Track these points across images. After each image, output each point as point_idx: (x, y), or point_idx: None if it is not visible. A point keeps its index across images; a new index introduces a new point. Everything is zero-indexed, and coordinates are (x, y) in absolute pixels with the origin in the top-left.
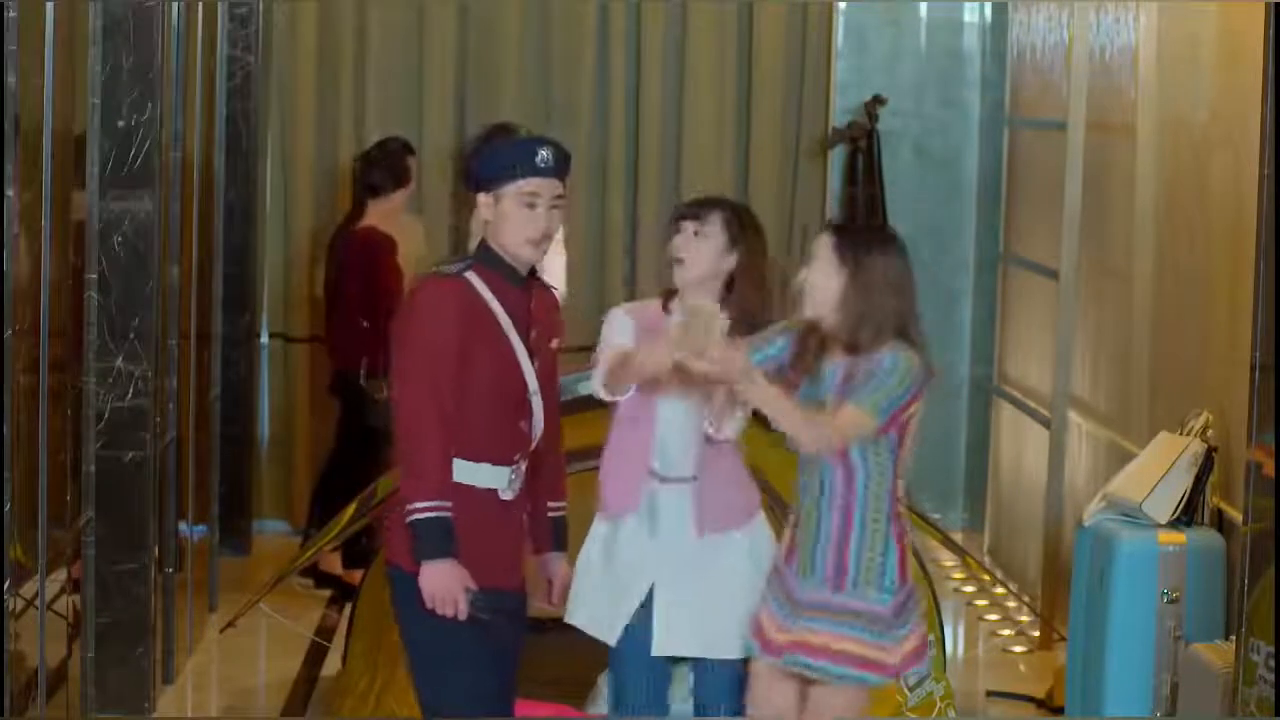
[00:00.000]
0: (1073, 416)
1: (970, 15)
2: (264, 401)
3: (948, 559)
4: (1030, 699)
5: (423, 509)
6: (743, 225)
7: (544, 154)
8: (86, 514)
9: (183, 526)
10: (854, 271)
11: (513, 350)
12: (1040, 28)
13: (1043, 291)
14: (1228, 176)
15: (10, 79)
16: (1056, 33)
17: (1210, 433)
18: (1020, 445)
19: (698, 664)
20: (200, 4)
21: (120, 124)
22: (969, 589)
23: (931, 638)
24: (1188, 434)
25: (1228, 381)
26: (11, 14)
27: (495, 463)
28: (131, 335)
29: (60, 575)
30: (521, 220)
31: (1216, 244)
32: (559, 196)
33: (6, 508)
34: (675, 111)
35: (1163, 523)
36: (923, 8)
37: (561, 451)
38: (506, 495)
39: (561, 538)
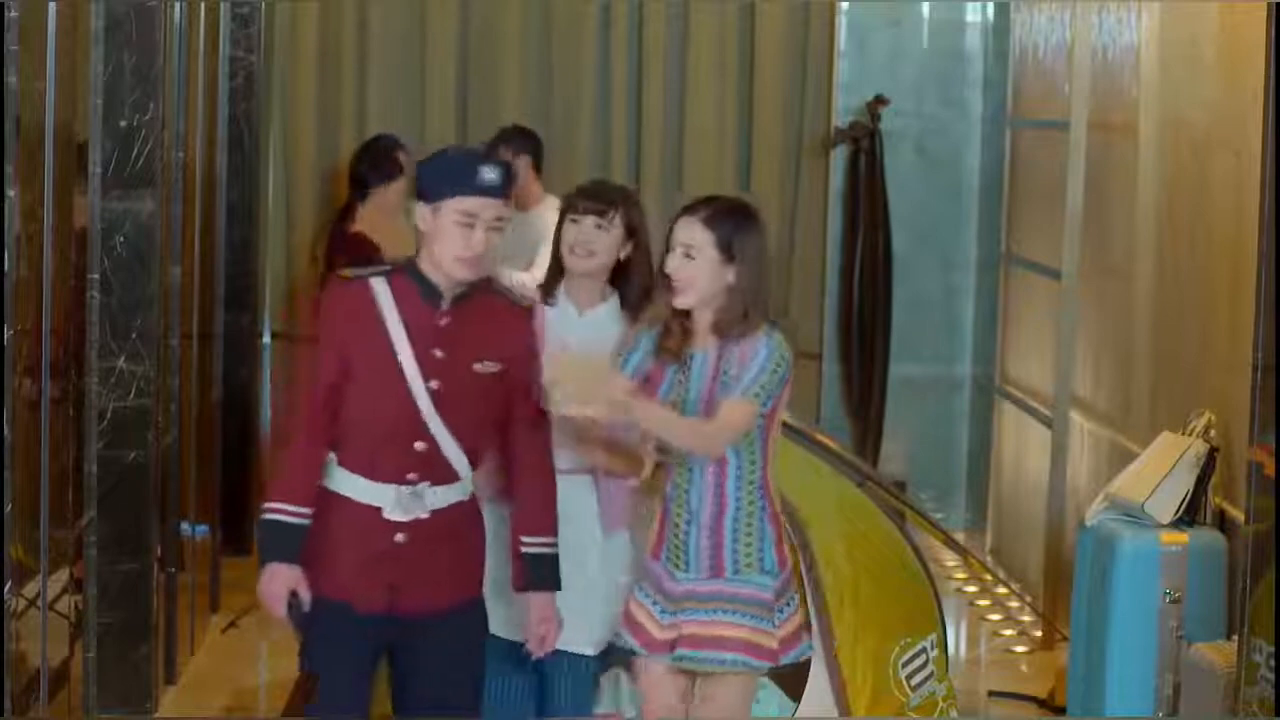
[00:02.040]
0: (1074, 416)
1: (972, 15)
2: (266, 401)
3: (950, 559)
4: (1032, 699)
5: (268, 509)
6: (637, 213)
7: (487, 173)
8: (88, 514)
9: (185, 526)
10: (737, 256)
11: (397, 367)
12: (1042, 28)
13: (1044, 291)
14: (1229, 177)
15: (12, 79)
16: (1058, 33)
17: (1212, 433)
18: (1022, 445)
19: (545, 662)
20: (202, 4)
21: (122, 124)
22: (971, 589)
23: (933, 638)
24: (1189, 434)
25: (1229, 382)
26: (13, 14)
27: (376, 479)
28: (133, 335)
29: (62, 575)
30: (455, 238)
31: (1218, 244)
32: (499, 218)
33: (8, 508)
34: (677, 111)
35: (1164, 523)
36: (925, 7)
37: (545, 484)
38: (395, 515)
39: (540, 576)
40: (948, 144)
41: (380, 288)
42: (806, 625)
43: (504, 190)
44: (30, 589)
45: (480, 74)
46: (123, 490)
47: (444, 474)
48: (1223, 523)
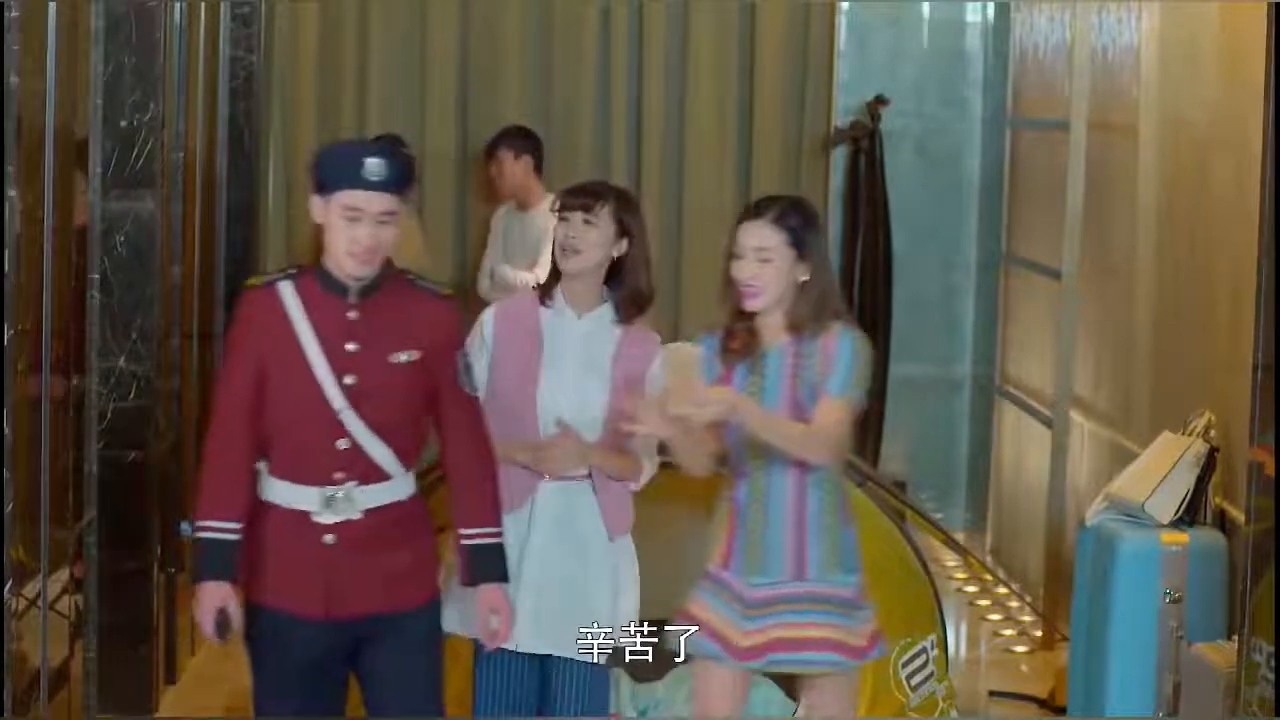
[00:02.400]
0: (1075, 416)
1: (972, 15)
2: None
3: (950, 559)
4: (1032, 699)
5: (197, 526)
6: (631, 211)
7: (371, 166)
8: (89, 514)
9: (185, 526)
10: (808, 252)
11: (307, 364)
12: (1042, 28)
13: (1044, 291)
14: (1229, 176)
15: (12, 79)
16: (1058, 33)
17: (1212, 433)
18: (1022, 445)
19: (555, 665)
20: (202, 4)
21: (122, 124)
22: (971, 589)
23: (934, 638)
24: (1190, 434)
25: (1229, 381)
26: (13, 14)
27: (302, 482)
28: (134, 335)
29: (62, 575)
30: (341, 232)
31: (1218, 244)
32: (388, 213)
33: (8, 508)
34: (677, 111)
35: (1165, 523)
36: (925, 7)
37: (484, 473)
38: (323, 517)
39: (487, 568)
40: (948, 144)
41: (286, 290)
42: (882, 629)
43: (393, 185)
44: (30, 589)
45: (480, 74)
46: (123, 490)
47: (373, 473)
48: (1223, 523)
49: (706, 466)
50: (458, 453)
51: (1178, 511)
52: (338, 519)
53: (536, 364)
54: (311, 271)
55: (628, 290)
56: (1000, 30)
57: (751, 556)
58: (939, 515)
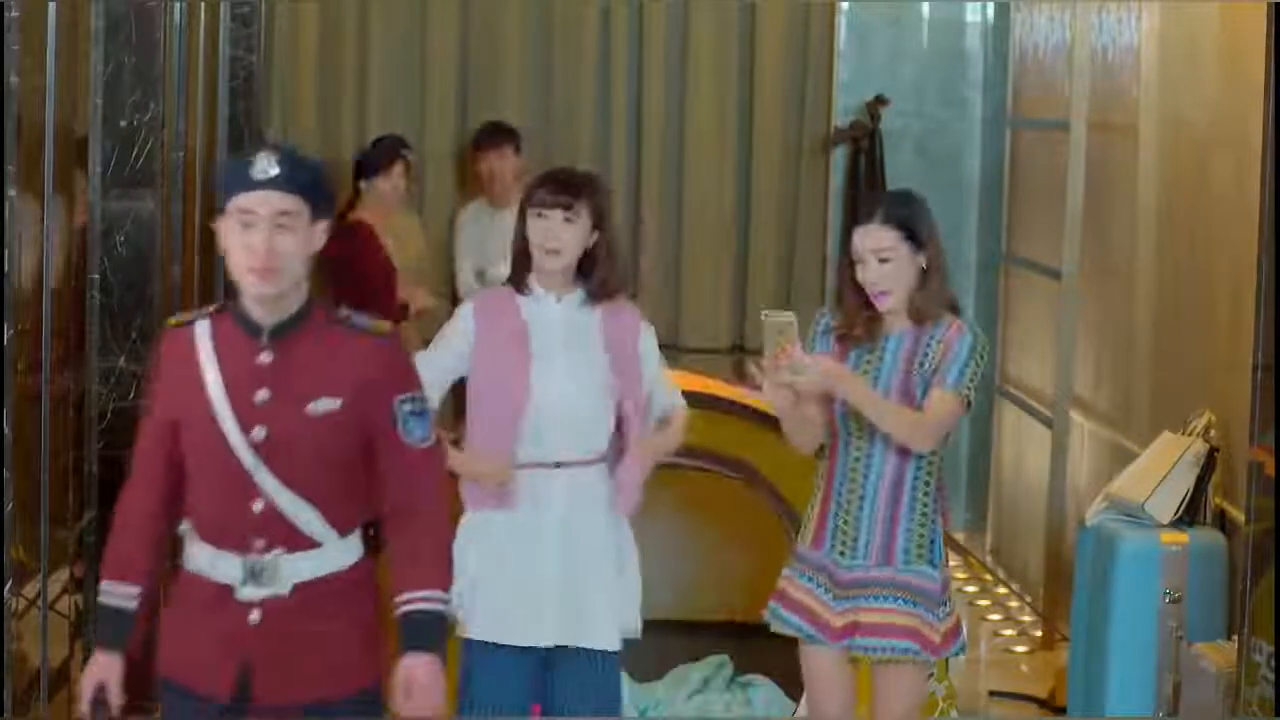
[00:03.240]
0: (1075, 416)
1: (972, 15)
2: None
3: (950, 559)
4: (1032, 699)
5: (100, 590)
6: (605, 200)
7: (262, 163)
8: (88, 514)
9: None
10: (924, 241)
11: (211, 415)
12: (1042, 28)
13: (1044, 291)
14: (1229, 176)
15: (12, 79)
16: (1058, 33)
17: (1212, 433)
18: (1022, 445)
19: (561, 659)
20: (202, 4)
21: (122, 124)
22: (971, 589)
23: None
24: (1190, 434)
25: (1229, 381)
26: (13, 14)
27: (223, 548)
28: (134, 335)
29: (62, 575)
30: (237, 245)
31: (1218, 244)
32: (286, 214)
33: (8, 508)
34: (677, 111)
35: (1165, 523)
36: (925, 7)
37: (430, 532)
38: (247, 593)
39: (421, 637)
40: (948, 144)
41: (202, 331)
42: (960, 623)
43: (289, 183)
44: (30, 589)
45: (480, 74)
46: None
47: (298, 540)
48: (1223, 523)
49: (814, 441)
50: (402, 509)
51: (1178, 511)
52: (262, 594)
53: (525, 352)
54: (227, 309)
55: (598, 278)
56: (1000, 30)
57: (843, 538)
58: None
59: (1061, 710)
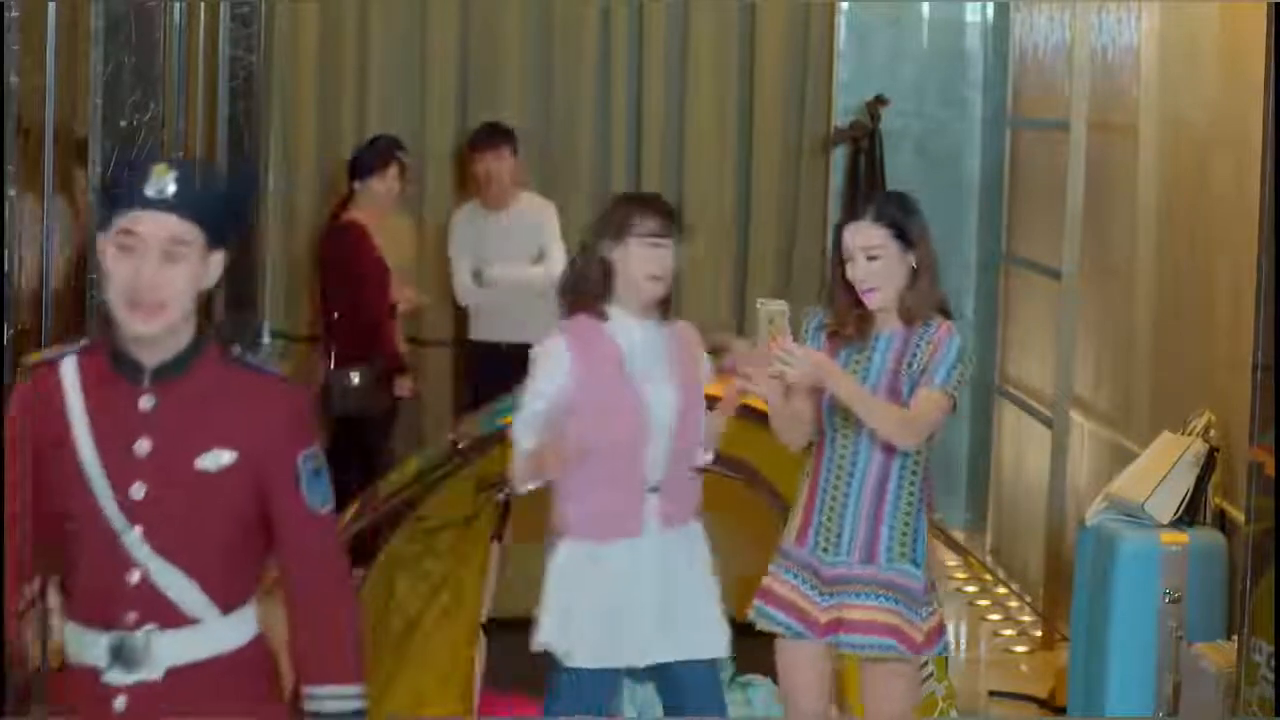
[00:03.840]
0: (1075, 416)
1: (972, 15)
2: None
3: (950, 559)
4: (1032, 699)
5: None
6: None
7: (159, 179)
8: None
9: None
10: (914, 240)
11: (79, 471)
12: (1042, 28)
13: (1044, 291)
14: (1229, 176)
15: (12, 79)
16: (1058, 33)
17: (1212, 432)
18: (1022, 445)
19: (669, 669)
20: (202, 4)
21: (122, 124)
22: (971, 589)
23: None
24: (1190, 434)
25: (1229, 381)
26: (13, 14)
27: (92, 625)
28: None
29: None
30: (118, 273)
31: (1218, 244)
32: (181, 242)
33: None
34: (677, 111)
35: (1165, 523)
36: (925, 7)
37: (337, 614)
38: (114, 676)
39: None
40: (948, 144)
41: (68, 369)
42: (943, 623)
43: (186, 207)
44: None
45: (480, 74)
46: None
47: (173, 616)
48: (1223, 523)
49: (803, 437)
50: (300, 592)
51: (1177, 511)
52: (130, 679)
53: (624, 377)
54: (100, 346)
55: (669, 299)
56: (1000, 30)
57: (827, 534)
58: (939, 515)
59: (1061, 710)
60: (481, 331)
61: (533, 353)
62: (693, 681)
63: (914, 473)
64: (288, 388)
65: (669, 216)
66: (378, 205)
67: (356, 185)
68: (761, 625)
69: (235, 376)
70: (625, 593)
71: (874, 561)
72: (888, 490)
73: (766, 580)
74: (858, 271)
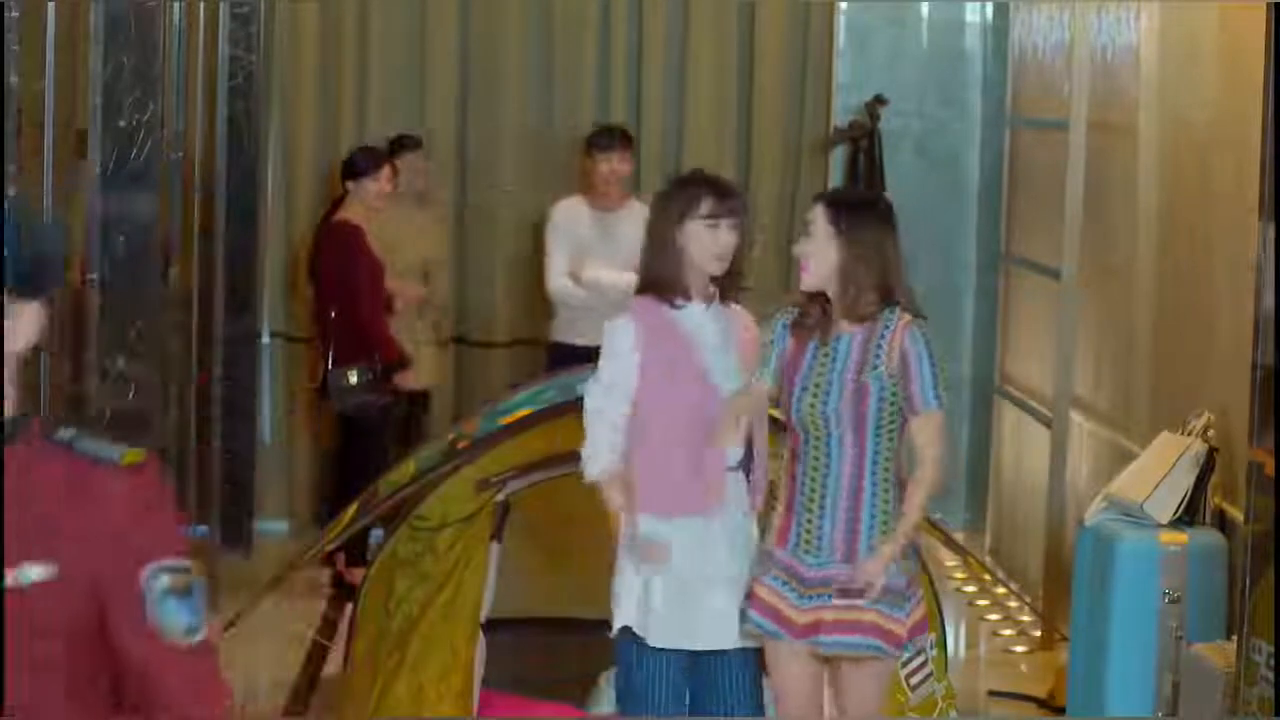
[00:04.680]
0: (1074, 416)
1: (972, 15)
2: (265, 401)
3: (949, 559)
4: (1032, 699)
5: None
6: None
7: None
8: None
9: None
10: (846, 232)
11: None
12: (1042, 27)
13: (1044, 291)
14: (1229, 176)
15: (12, 78)
16: (1058, 32)
17: (1211, 433)
18: (1022, 445)
19: (714, 658)
20: (201, 4)
21: (121, 123)
22: (970, 589)
23: (933, 637)
24: (1189, 434)
25: (1229, 381)
26: (13, 14)
27: None
28: (133, 335)
29: None
30: None
31: (1217, 244)
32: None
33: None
34: (677, 111)
35: (1164, 523)
36: (924, 7)
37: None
38: None
39: None
40: (947, 144)
41: None
42: (926, 618)
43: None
44: None
45: (480, 74)
46: None
47: None
48: (1222, 523)
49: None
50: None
51: (1177, 511)
52: None
53: (696, 358)
54: None
55: (733, 282)
56: (1000, 30)
57: (807, 537)
58: (938, 515)
59: (1061, 710)
60: (564, 333)
61: (605, 329)
62: (744, 671)
63: (886, 471)
64: (130, 479)
65: (731, 195)
66: (369, 200)
67: (350, 186)
68: (744, 629)
69: (62, 464)
70: (698, 571)
71: (853, 561)
72: (863, 489)
73: (750, 584)
74: (797, 245)
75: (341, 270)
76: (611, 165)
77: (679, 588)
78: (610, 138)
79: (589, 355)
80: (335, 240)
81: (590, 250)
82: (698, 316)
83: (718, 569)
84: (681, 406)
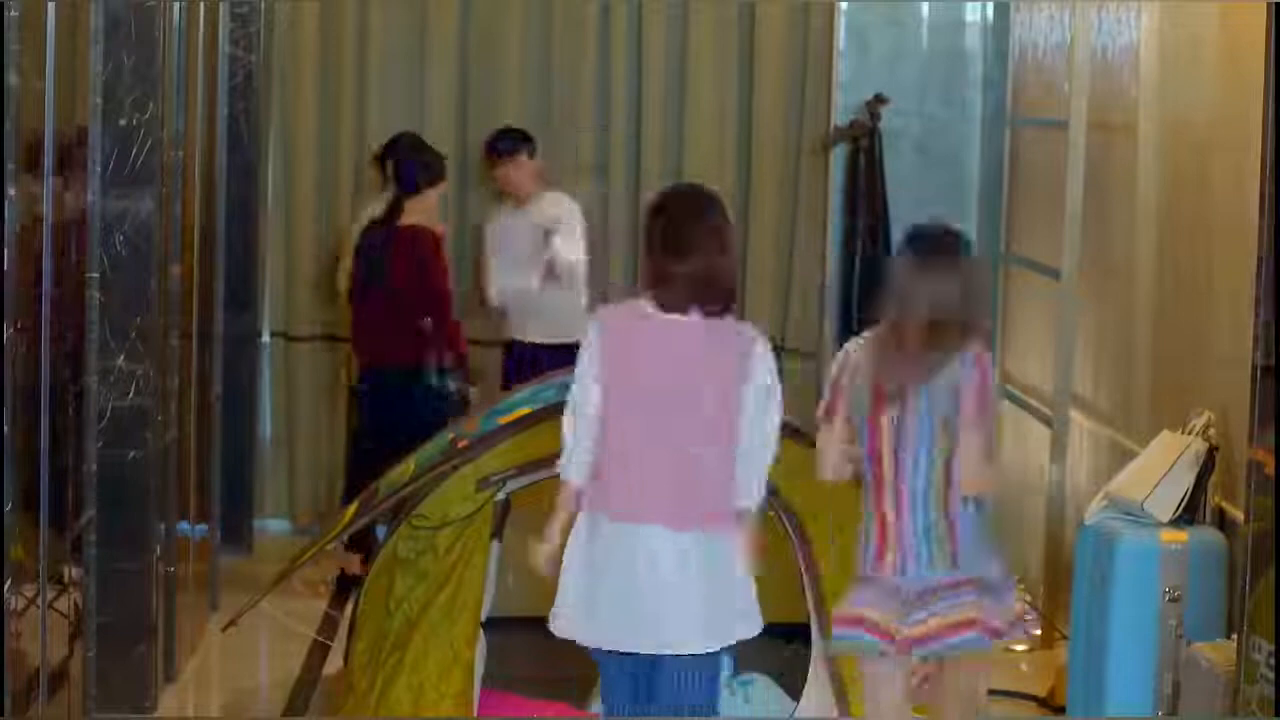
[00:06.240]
0: (1074, 415)
1: (972, 15)
2: (265, 400)
3: None
4: (1032, 698)
5: None
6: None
7: None
8: (88, 513)
9: (184, 525)
10: (967, 272)
11: None
12: (1042, 27)
13: (1044, 290)
14: (1229, 176)
15: (11, 78)
16: (1058, 32)
17: (1211, 431)
18: (1022, 444)
19: (666, 663)
20: (202, 3)
21: (122, 123)
22: None
23: None
24: (1189, 433)
25: (1229, 380)
26: (13, 13)
27: None
28: (133, 334)
29: (62, 574)
30: None
31: (1217, 243)
32: None
33: (7, 507)
34: (677, 111)
35: (1164, 521)
36: (924, 7)
37: None
38: None
39: None
40: (947, 143)
41: None
42: (1024, 610)
43: None
44: (30, 588)
45: (480, 74)
46: (122, 489)
47: None
48: (1222, 521)
49: (840, 470)
50: None
51: (1177, 510)
52: None
53: (650, 364)
54: None
55: (717, 290)
56: (1000, 30)
57: (908, 553)
58: None
59: (1061, 709)
60: (518, 331)
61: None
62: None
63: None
64: None
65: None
66: (428, 210)
67: (410, 190)
68: (844, 649)
69: None
70: (636, 574)
71: (955, 565)
72: (955, 499)
73: (845, 609)
74: None
75: (426, 276)
76: (508, 170)
77: (622, 591)
78: (506, 142)
79: (541, 351)
80: (413, 245)
81: (511, 249)
82: (671, 327)
83: (662, 578)
84: (639, 414)
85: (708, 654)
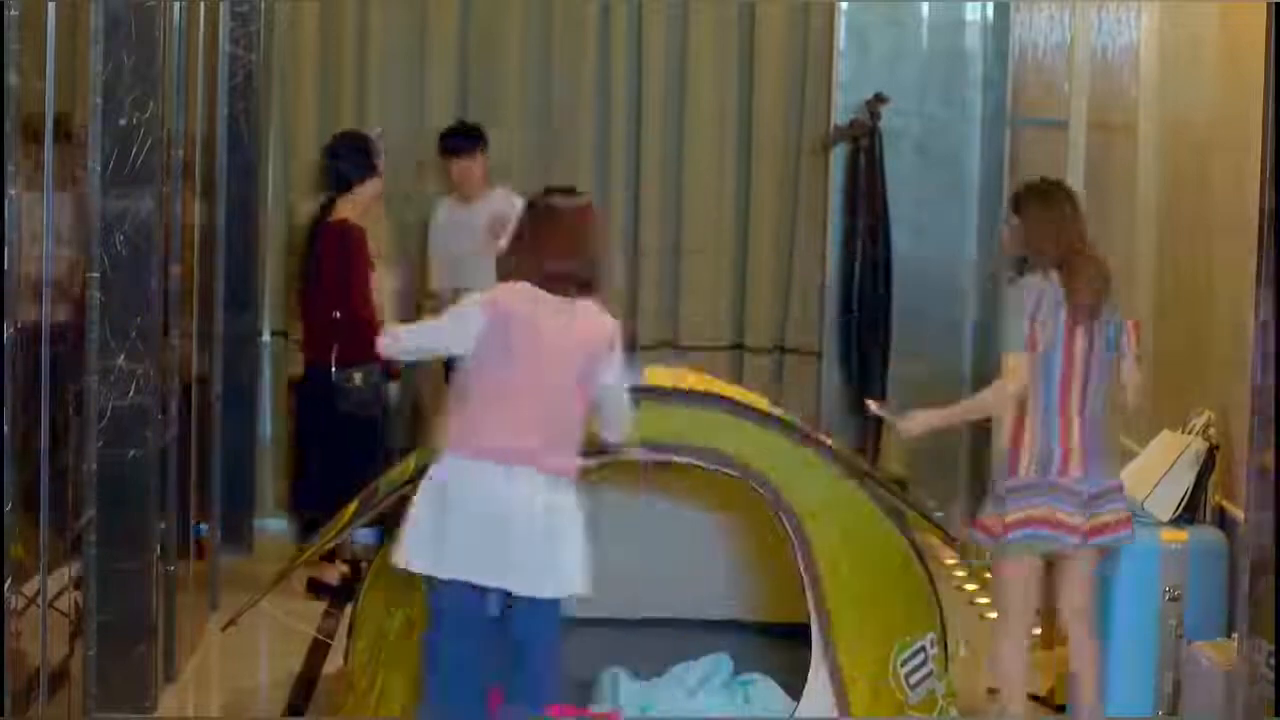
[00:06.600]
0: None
1: (972, 14)
2: (265, 400)
3: (950, 557)
4: (1032, 698)
5: None
6: None
7: None
8: (88, 512)
9: (201, 528)
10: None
11: None
12: (1042, 27)
13: None
14: (1229, 176)
15: (11, 78)
16: (1058, 32)
17: (1212, 431)
18: None
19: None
20: (202, 2)
21: (122, 122)
22: (970, 586)
23: (933, 636)
24: (1189, 432)
25: (1229, 381)
26: (13, 13)
27: None
28: (133, 334)
29: (62, 573)
30: None
31: (1217, 243)
32: None
33: (7, 506)
34: (677, 110)
35: (1165, 521)
36: (925, 7)
37: None
38: None
39: None
40: (948, 143)
41: None
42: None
43: None
44: (29, 587)
45: (480, 74)
46: (122, 488)
47: None
48: (1222, 521)
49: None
50: None
51: (1177, 509)
52: None
53: (528, 332)
54: None
55: (579, 276)
56: (1000, 30)
57: (1089, 461)
58: (939, 513)
59: (1061, 709)
60: None
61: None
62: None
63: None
64: None
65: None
66: (361, 205)
67: (342, 186)
68: (1023, 547)
69: None
70: (492, 513)
71: (1105, 474)
72: (1104, 410)
73: (1012, 515)
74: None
75: (344, 272)
76: (459, 166)
77: (479, 528)
78: (457, 140)
79: None
80: (336, 241)
81: (459, 244)
82: (551, 304)
83: (522, 519)
84: (521, 371)
85: (554, 600)
